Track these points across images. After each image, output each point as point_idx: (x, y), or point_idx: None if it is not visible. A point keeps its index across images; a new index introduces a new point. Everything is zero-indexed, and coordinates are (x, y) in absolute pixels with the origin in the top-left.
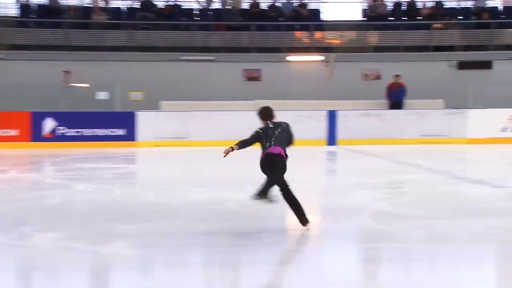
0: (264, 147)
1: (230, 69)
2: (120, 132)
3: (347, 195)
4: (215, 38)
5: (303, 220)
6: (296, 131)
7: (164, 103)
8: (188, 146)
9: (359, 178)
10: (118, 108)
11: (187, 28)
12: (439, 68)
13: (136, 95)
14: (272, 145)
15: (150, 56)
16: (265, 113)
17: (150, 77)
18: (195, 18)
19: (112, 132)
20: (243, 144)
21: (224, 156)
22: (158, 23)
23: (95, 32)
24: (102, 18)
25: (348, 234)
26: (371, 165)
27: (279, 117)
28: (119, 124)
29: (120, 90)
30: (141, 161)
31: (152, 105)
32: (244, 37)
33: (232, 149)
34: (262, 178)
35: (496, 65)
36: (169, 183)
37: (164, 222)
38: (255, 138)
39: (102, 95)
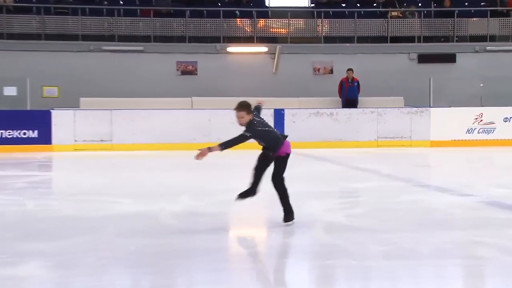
0: (281, 140)
1: (161, 61)
2: (33, 134)
3: (296, 206)
4: (144, 25)
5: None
6: (238, 133)
7: (85, 100)
8: (113, 150)
9: (310, 186)
10: (30, 106)
11: (110, 13)
12: (398, 61)
13: (51, 91)
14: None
15: (67, 45)
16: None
17: (67, 70)
18: (120, 2)
19: (23, 134)
20: (230, 144)
21: (198, 159)
22: (76, 7)
23: (0, 17)
24: (9, 1)
25: (298, 250)
26: (323, 171)
27: (217, 116)
28: (31, 125)
29: (31, 85)
30: (58, 168)
31: (70, 102)
32: (177, 25)
33: (210, 150)
34: (200, 187)
35: (460, 58)
36: (92, 193)
37: (86, 239)
38: (262, 135)
39: (10, 91)
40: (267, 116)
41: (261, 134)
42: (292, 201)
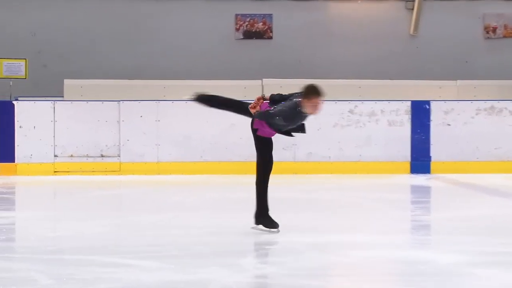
0: None
1: (209, 15)
2: None
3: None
4: None
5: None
6: (343, 144)
7: (72, 84)
8: (122, 174)
9: (485, 244)
10: None
11: None
12: None
13: (13, 68)
14: None
15: None
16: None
17: (42, 32)
18: None
19: None
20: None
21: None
22: None
23: None
24: None
25: None
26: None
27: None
28: None
29: None
30: (24, 205)
31: (47, 87)
32: None
33: (264, 98)
34: (278, 239)
35: None
36: (84, 250)
37: None
38: None
39: None
40: (400, 114)
41: None
42: (454, 272)
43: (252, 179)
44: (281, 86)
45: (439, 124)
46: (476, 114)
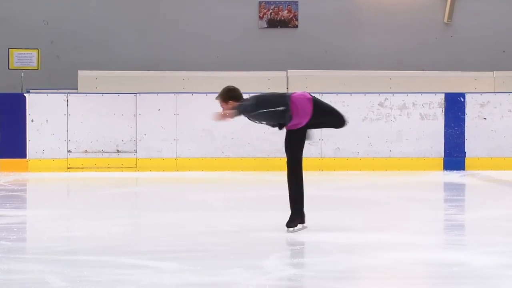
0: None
1: (232, 2)
2: None
3: None
4: None
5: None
6: (372, 139)
7: (86, 76)
8: (139, 170)
9: None
10: None
11: None
12: None
13: (24, 58)
14: None
15: None
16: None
17: (55, 19)
18: None
19: None
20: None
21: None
22: None
23: None
24: None
25: None
26: None
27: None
28: None
29: None
30: (36, 203)
31: (60, 79)
32: None
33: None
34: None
35: None
36: (100, 251)
37: None
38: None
39: None
40: (433, 107)
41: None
42: (489, 274)
43: (275, 176)
44: (306, 78)
45: (475, 118)
46: None
